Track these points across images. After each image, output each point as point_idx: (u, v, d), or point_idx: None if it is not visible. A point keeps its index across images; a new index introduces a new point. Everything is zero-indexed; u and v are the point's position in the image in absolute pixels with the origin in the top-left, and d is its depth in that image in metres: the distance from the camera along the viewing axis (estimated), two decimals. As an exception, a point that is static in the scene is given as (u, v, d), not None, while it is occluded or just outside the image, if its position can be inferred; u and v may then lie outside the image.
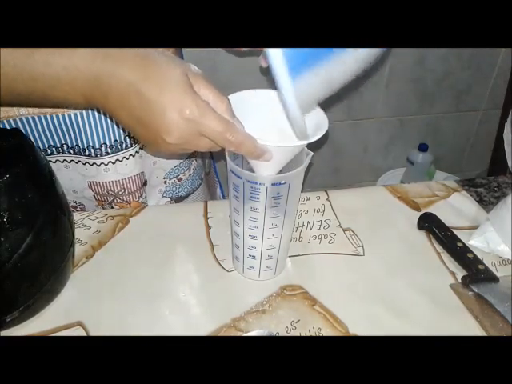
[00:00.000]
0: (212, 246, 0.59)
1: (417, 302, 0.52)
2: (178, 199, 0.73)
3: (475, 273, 0.54)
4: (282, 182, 0.46)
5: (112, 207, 0.67)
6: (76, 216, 0.61)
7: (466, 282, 0.54)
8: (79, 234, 0.58)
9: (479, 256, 0.56)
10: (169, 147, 0.43)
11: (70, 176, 0.64)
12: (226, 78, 1.30)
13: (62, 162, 0.62)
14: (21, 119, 0.58)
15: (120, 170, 0.64)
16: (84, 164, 0.62)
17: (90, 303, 0.51)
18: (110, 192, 0.65)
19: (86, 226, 0.60)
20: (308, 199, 0.67)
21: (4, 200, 0.42)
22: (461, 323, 0.50)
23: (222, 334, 0.48)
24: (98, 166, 0.62)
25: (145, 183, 0.68)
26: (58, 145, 0.61)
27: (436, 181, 0.73)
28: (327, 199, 0.67)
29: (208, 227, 0.61)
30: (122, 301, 0.51)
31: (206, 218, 0.63)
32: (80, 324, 0.49)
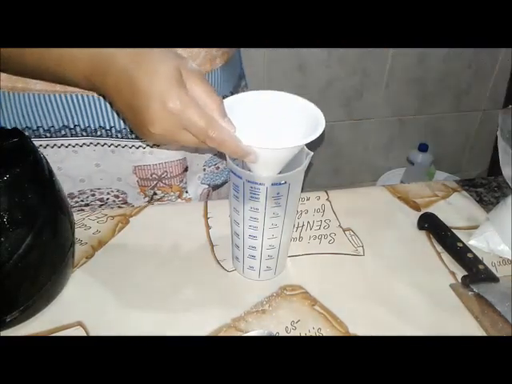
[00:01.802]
0: (212, 246, 0.59)
1: (417, 302, 0.52)
2: (215, 187, 0.75)
3: (475, 273, 0.54)
4: (282, 181, 0.46)
5: (154, 193, 0.68)
6: (76, 216, 0.61)
7: (466, 282, 0.54)
8: (79, 234, 0.58)
9: (479, 256, 0.56)
10: (154, 137, 0.44)
11: (116, 162, 0.64)
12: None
13: (110, 147, 0.63)
14: (76, 96, 0.59)
15: (164, 153, 0.65)
16: (130, 148, 0.63)
17: (90, 303, 0.51)
18: (154, 176, 0.66)
19: (86, 226, 0.60)
20: (308, 199, 0.67)
21: (4, 200, 0.42)
22: (461, 323, 0.50)
23: (222, 334, 0.48)
24: (144, 148, 0.63)
25: (186, 169, 0.69)
26: (108, 127, 0.61)
27: (436, 181, 0.73)
28: (327, 199, 0.67)
29: (208, 227, 0.61)
30: (122, 301, 0.51)
31: (206, 218, 0.63)
32: (80, 324, 0.49)
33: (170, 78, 0.41)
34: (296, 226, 0.62)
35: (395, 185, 0.70)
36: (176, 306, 0.51)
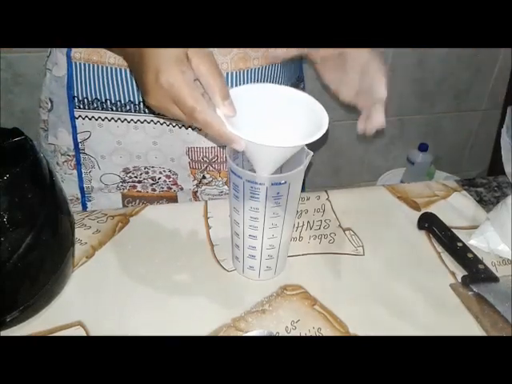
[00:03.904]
0: (212, 245, 0.59)
1: (417, 302, 0.52)
2: None
3: (475, 273, 0.54)
4: (282, 181, 0.46)
5: (203, 177, 0.70)
6: (76, 216, 0.61)
7: (466, 281, 0.54)
8: (79, 234, 0.58)
9: (479, 256, 0.56)
10: (151, 106, 0.47)
11: (171, 142, 0.66)
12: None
13: (168, 126, 0.65)
14: None
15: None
16: (186, 129, 0.65)
17: (90, 303, 0.51)
18: (205, 159, 0.68)
19: (86, 226, 0.60)
20: (308, 199, 0.67)
21: (4, 200, 0.42)
22: (461, 323, 0.50)
23: (222, 334, 0.48)
24: (199, 130, 0.65)
25: None
26: None
27: (436, 181, 0.73)
28: (327, 199, 0.67)
29: (208, 227, 0.61)
30: (122, 301, 0.51)
31: (206, 218, 0.62)
32: (80, 324, 0.49)
33: (169, 55, 0.43)
34: (296, 225, 0.62)
35: (395, 185, 0.70)
36: (176, 305, 0.51)
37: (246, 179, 0.46)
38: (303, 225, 0.62)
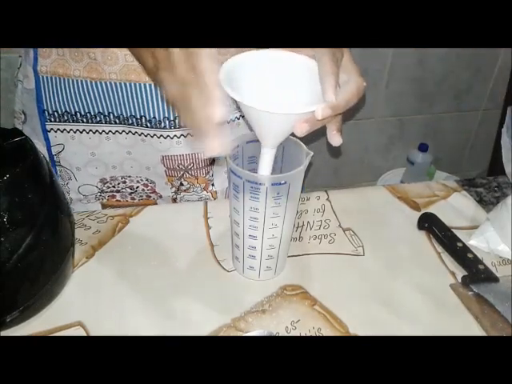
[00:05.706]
0: (212, 246, 0.59)
1: (417, 302, 0.52)
2: None
3: (475, 273, 0.54)
4: (282, 181, 0.46)
5: (181, 184, 0.69)
6: (76, 216, 0.61)
7: (466, 282, 0.54)
8: (79, 234, 0.58)
9: (479, 256, 0.56)
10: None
11: (145, 151, 0.66)
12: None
13: (140, 135, 0.64)
14: (110, 84, 0.60)
15: (191, 144, 0.66)
16: (159, 137, 0.64)
17: (90, 303, 0.51)
18: (180, 166, 0.67)
19: (86, 226, 0.60)
20: (308, 199, 0.67)
21: (4, 200, 0.42)
22: (461, 323, 0.50)
23: (222, 334, 0.48)
24: (172, 138, 0.64)
25: (213, 162, 0.70)
26: (138, 116, 0.63)
27: (436, 181, 0.73)
28: (327, 199, 0.67)
29: (208, 227, 0.61)
30: (122, 301, 0.51)
31: (206, 218, 0.62)
32: (80, 324, 0.49)
33: None
34: (296, 225, 0.62)
35: (395, 185, 0.70)
36: (176, 305, 0.51)
37: (246, 179, 0.46)
38: (303, 225, 0.62)
